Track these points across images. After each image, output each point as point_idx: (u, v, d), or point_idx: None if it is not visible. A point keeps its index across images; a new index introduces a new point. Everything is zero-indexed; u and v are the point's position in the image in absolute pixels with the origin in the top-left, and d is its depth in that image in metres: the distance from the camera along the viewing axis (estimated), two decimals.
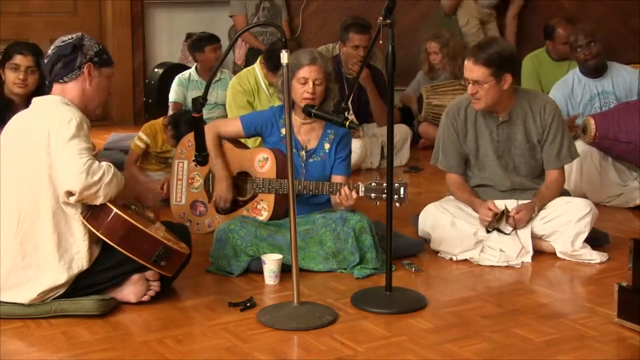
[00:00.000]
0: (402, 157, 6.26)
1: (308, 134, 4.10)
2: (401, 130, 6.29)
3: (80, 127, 3.19)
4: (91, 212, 3.22)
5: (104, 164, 3.20)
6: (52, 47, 3.39)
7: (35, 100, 3.41)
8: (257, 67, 5.55)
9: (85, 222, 3.20)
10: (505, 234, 3.99)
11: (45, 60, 3.39)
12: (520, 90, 4.16)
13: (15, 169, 3.26)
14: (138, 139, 5.12)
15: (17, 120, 3.38)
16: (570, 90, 5.33)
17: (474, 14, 7.53)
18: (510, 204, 4.08)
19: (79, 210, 3.22)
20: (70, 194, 3.15)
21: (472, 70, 3.95)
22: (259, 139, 4.36)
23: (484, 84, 3.93)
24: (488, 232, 3.99)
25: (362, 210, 3.97)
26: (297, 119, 4.06)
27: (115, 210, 3.19)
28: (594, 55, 5.24)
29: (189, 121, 4.92)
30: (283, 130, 4.08)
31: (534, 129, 4.08)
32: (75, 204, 3.20)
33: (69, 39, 3.37)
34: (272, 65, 5.25)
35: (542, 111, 4.08)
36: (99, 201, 3.18)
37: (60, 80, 3.34)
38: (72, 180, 3.12)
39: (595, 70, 5.30)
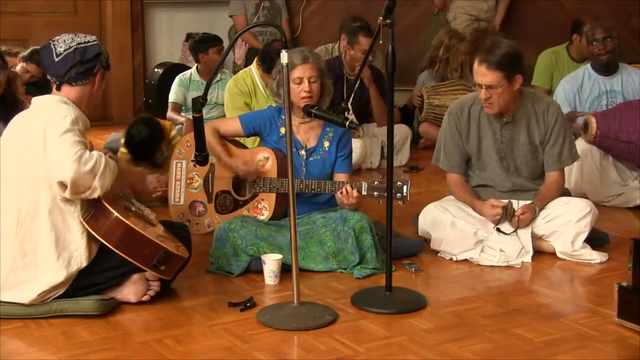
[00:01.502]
0: (402, 157, 6.26)
1: (307, 133, 4.11)
2: (401, 130, 6.29)
3: (74, 123, 3.18)
4: (92, 214, 3.22)
5: (95, 153, 3.17)
6: (64, 47, 3.30)
7: (35, 99, 3.41)
8: (253, 68, 5.53)
9: (86, 225, 3.20)
10: (506, 234, 3.99)
11: (57, 59, 3.29)
12: (524, 91, 4.15)
13: (15, 169, 3.26)
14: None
15: (18, 120, 3.38)
16: (580, 84, 5.34)
17: (465, 10, 7.52)
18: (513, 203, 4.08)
19: (78, 208, 3.22)
20: (62, 185, 3.12)
21: (486, 75, 3.90)
22: (258, 139, 4.36)
23: (498, 88, 3.90)
24: (499, 230, 3.98)
25: (362, 210, 3.97)
26: (295, 118, 4.06)
27: (115, 214, 3.18)
28: (607, 51, 5.25)
29: (140, 139, 4.96)
30: (282, 130, 4.08)
31: (536, 130, 4.08)
32: (73, 202, 3.20)
33: (86, 43, 3.32)
34: (266, 67, 5.23)
35: (546, 112, 4.07)
36: (96, 194, 3.15)
37: (73, 83, 3.32)
38: (64, 170, 3.09)
39: (607, 68, 5.30)
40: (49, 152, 3.15)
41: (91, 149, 3.25)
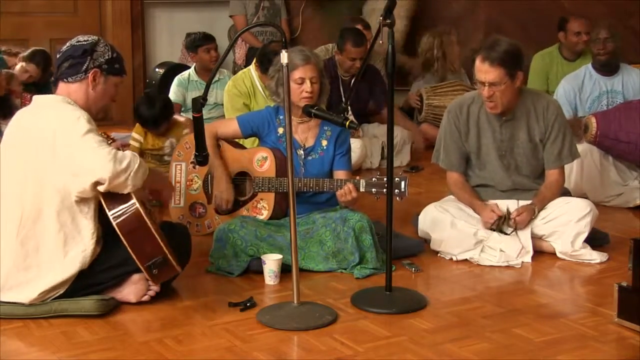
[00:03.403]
0: (402, 158, 6.24)
1: (305, 132, 4.10)
2: (403, 132, 6.27)
3: (90, 122, 3.22)
4: (112, 198, 3.21)
5: (128, 152, 3.22)
6: (67, 45, 3.38)
7: (37, 98, 3.41)
8: (252, 69, 5.52)
9: (103, 203, 3.19)
10: (506, 234, 3.99)
11: (58, 56, 3.38)
12: (524, 89, 4.15)
13: (19, 169, 3.25)
14: (132, 139, 5.26)
15: (21, 119, 3.37)
16: (581, 84, 5.34)
17: None
18: (511, 204, 4.08)
19: (92, 208, 3.22)
20: (98, 183, 3.15)
21: (489, 72, 3.90)
22: (257, 140, 4.36)
23: (501, 85, 3.90)
24: (492, 229, 3.98)
25: (362, 210, 3.97)
26: (293, 118, 4.05)
27: (137, 204, 3.20)
28: (607, 52, 5.28)
29: (148, 103, 5.19)
30: (280, 130, 4.08)
31: (536, 128, 4.08)
32: (88, 201, 3.20)
33: (83, 41, 3.36)
34: (264, 68, 5.22)
35: (545, 110, 4.08)
36: (127, 190, 3.19)
37: (65, 80, 3.34)
38: (101, 169, 3.12)
39: (608, 68, 5.31)
40: (73, 154, 3.16)
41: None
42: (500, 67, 3.88)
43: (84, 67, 3.33)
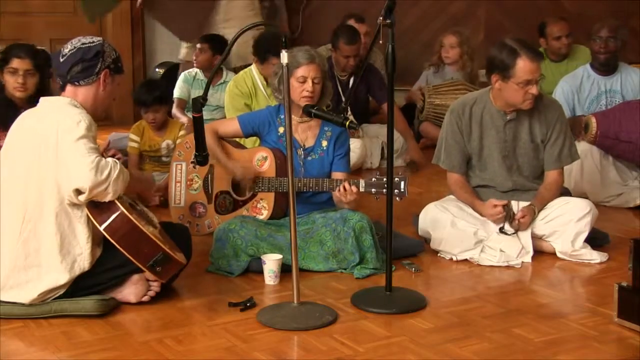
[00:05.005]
0: (402, 162, 6.23)
1: (305, 132, 4.10)
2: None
3: (89, 129, 3.21)
4: (97, 207, 3.21)
5: (110, 160, 3.20)
6: (69, 47, 3.35)
7: (44, 100, 3.40)
8: (253, 69, 5.52)
9: (90, 215, 3.20)
10: (507, 234, 3.99)
11: (62, 59, 3.34)
12: None
13: (23, 169, 3.25)
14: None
15: (26, 120, 3.37)
16: (579, 84, 5.34)
17: None
18: (512, 205, 4.08)
19: (85, 212, 3.22)
20: (79, 192, 3.15)
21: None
22: (258, 140, 4.36)
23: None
24: (501, 230, 3.98)
25: (362, 210, 3.97)
26: (294, 117, 4.04)
27: (121, 208, 3.19)
28: (608, 51, 5.25)
29: (146, 87, 5.23)
30: (281, 129, 4.08)
31: (538, 128, 4.08)
32: (80, 206, 3.20)
33: (90, 43, 3.35)
34: (261, 57, 5.22)
35: (547, 111, 4.08)
36: (108, 198, 3.18)
37: (76, 83, 3.34)
38: (82, 179, 3.12)
39: (606, 67, 5.29)
40: (65, 158, 3.16)
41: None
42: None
43: (97, 69, 3.33)
